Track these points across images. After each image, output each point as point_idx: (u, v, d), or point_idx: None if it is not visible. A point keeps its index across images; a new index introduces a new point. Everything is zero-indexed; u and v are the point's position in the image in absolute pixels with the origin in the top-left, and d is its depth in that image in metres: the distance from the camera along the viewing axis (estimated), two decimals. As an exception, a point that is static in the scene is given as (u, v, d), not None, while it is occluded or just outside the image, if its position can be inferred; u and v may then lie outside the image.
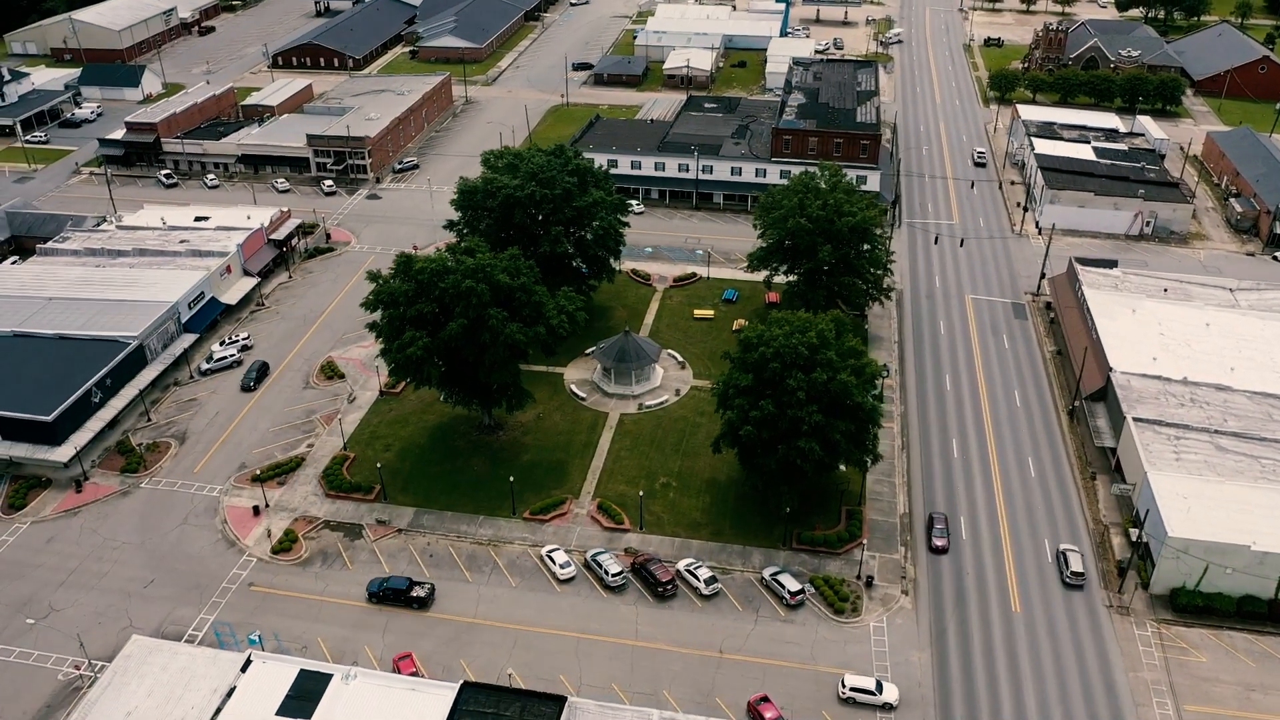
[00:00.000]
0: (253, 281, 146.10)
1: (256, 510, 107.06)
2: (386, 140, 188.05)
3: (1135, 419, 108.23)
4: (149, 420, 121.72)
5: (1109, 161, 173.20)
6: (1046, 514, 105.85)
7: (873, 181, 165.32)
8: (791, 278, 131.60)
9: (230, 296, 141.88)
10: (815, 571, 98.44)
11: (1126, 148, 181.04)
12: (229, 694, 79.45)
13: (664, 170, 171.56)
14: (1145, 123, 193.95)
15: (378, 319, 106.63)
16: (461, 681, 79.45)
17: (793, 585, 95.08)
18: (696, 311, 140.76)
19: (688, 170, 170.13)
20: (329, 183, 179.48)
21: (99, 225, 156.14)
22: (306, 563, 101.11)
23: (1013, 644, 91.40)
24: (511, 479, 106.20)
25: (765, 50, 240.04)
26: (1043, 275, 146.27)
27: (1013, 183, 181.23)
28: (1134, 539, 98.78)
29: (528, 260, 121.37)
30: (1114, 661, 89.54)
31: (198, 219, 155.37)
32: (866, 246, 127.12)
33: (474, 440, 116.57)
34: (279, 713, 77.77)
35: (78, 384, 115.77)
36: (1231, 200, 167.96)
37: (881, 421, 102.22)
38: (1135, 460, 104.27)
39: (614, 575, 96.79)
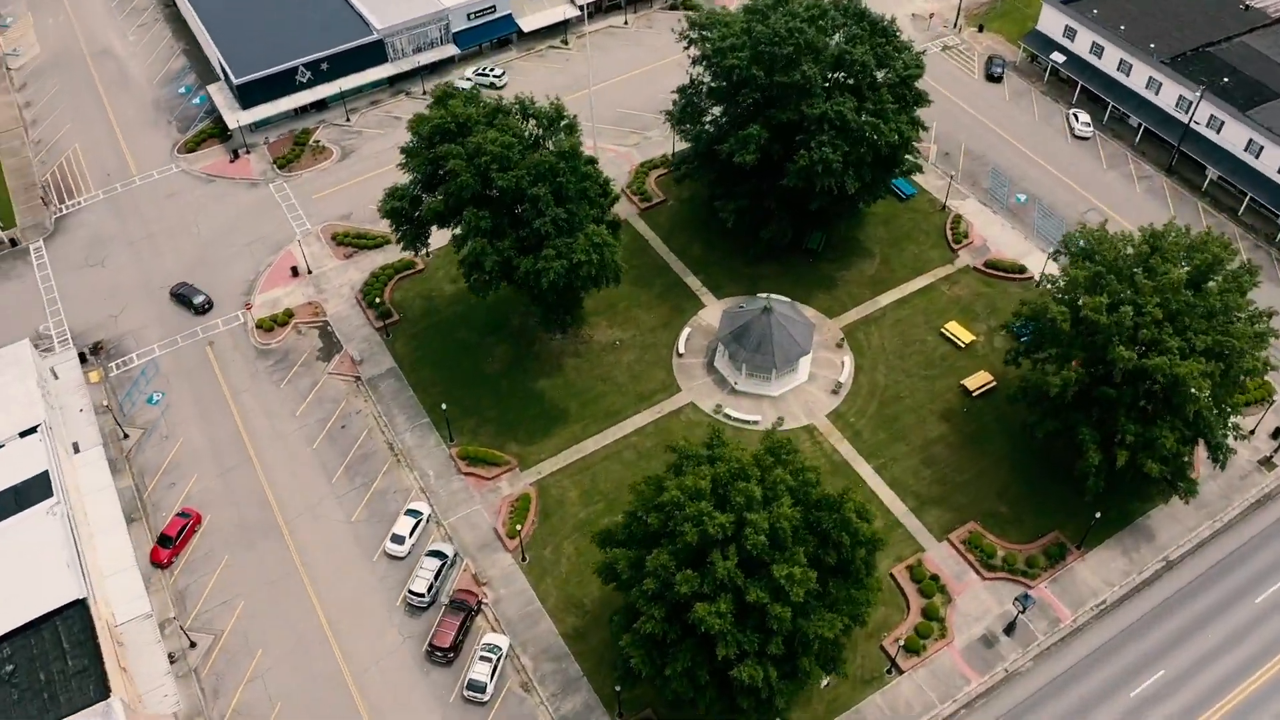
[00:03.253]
0: (572, 13, 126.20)
1: (295, 272, 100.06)
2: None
3: None
4: (347, 122, 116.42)
5: None
6: None
7: None
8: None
9: (530, 22, 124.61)
10: (605, 776, 68.09)
11: None
12: (-1, 445, 79.25)
13: (1157, 94, 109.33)
14: None
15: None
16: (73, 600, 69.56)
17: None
18: (950, 326, 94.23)
19: (1187, 110, 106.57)
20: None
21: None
22: (265, 354, 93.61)
23: None
24: (445, 406, 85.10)
25: None
26: None
27: None
28: None
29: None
30: None
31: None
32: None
33: (529, 327, 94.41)
34: (-8, 493, 76.12)
35: (285, 58, 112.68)
36: None
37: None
38: None
39: (414, 593, 75.88)
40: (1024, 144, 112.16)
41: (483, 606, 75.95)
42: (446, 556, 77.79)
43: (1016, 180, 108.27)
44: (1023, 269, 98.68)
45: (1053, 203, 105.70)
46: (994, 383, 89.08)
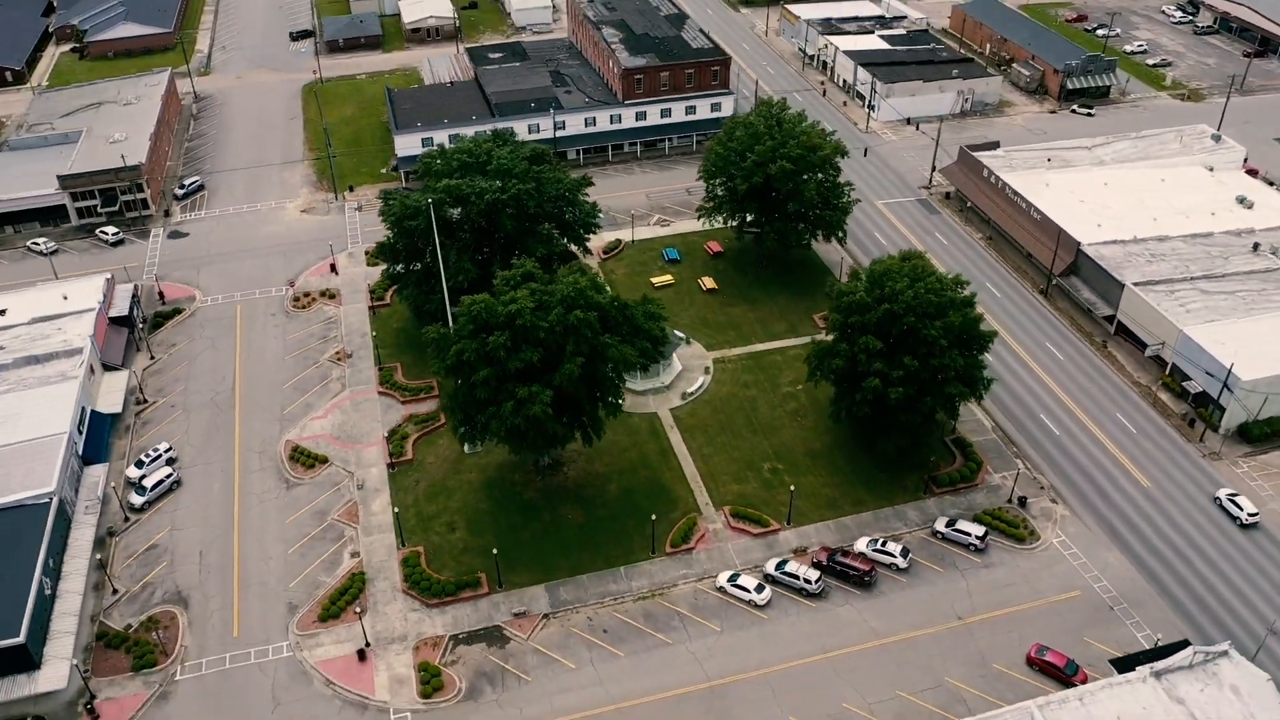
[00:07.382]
0: (122, 377, 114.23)
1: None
2: (154, 163, 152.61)
3: (1135, 284, 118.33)
4: (115, 593, 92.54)
5: (905, 48, 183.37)
6: (1090, 381, 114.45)
7: (727, 107, 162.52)
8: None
9: (108, 403, 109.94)
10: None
11: (905, 31, 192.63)
12: None
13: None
14: (897, 5, 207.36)
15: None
16: None
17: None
18: (654, 280, 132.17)
19: (538, 130, 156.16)
20: (112, 230, 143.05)
21: None
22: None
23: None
24: (654, 518, 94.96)
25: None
26: (934, 168, 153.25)
27: (821, 83, 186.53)
28: (1190, 390, 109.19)
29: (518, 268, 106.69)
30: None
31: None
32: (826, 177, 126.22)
33: (544, 488, 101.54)
34: None
35: (24, 576, 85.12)
36: (1015, 66, 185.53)
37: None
38: (1153, 320, 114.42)
39: (810, 581, 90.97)
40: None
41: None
42: (785, 558, 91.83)
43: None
44: (619, 242, 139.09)
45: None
46: (714, 285, 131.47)
